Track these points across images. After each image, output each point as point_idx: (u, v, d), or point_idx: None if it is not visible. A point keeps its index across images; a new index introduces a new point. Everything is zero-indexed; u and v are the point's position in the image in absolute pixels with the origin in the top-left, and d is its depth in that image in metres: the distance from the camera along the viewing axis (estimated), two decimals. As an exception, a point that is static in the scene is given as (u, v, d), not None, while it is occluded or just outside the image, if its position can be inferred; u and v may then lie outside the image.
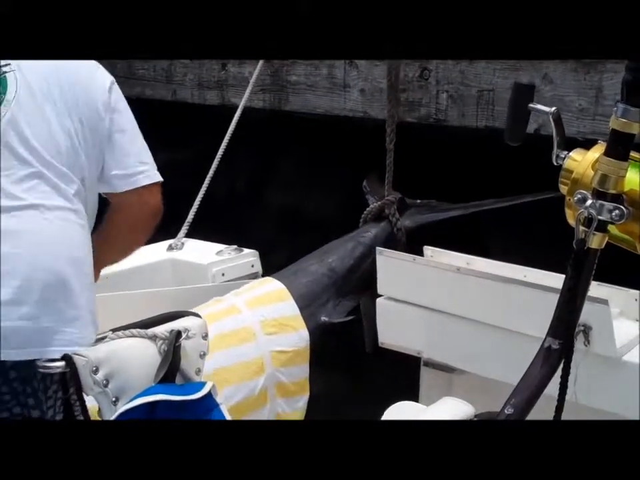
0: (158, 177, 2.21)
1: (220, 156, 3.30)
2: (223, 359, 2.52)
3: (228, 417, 1.74)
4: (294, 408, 2.70)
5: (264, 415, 2.62)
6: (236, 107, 3.42)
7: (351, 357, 2.81)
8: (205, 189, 3.29)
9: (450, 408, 1.70)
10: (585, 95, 3.44)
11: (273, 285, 2.82)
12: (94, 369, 1.58)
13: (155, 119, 5.91)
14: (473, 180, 3.67)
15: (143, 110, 6.18)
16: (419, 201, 3.35)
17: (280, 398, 2.65)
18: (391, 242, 3.14)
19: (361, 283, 2.98)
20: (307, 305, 2.81)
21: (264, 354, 2.61)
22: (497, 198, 3.40)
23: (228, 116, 3.36)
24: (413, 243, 3.15)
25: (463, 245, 2.90)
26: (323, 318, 2.84)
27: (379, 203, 3.22)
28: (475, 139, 3.71)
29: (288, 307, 2.75)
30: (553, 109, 1.56)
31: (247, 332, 2.62)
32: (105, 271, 2.33)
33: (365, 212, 3.24)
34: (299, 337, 2.71)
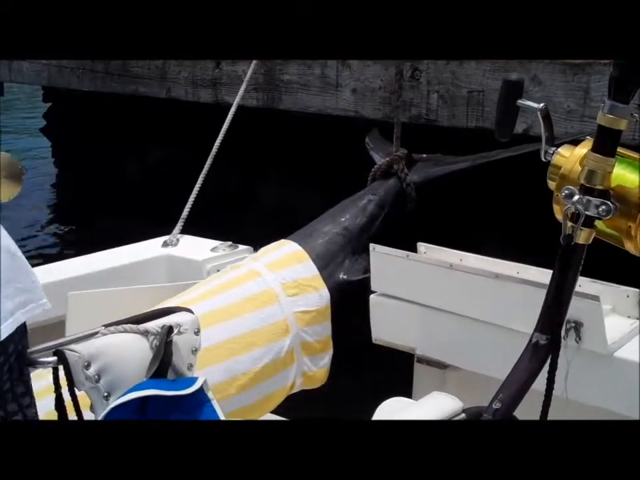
0: None
1: (214, 153, 3.30)
2: (249, 322, 2.59)
3: (220, 413, 1.74)
4: (319, 365, 2.77)
5: (291, 375, 2.68)
6: (229, 105, 3.43)
7: (344, 354, 2.81)
8: (199, 186, 3.29)
9: (438, 402, 1.71)
10: (573, 96, 3.47)
11: (290, 247, 2.86)
12: (86, 364, 1.59)
13: (148, 117, 5.95)
14: (463, 179, 3.68)
15: (137, 108, 6.20)
16: (424, 155, 3.36)
17: (306, 357, 2.72)
18: (400, 198, 3.16)
19: (374, 240, 2.96)
20: (325, 264, 2.86)
21: (288, 315, 2.66)
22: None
23: (221, 114, 3.38)
24: (422, 199, 3.17)
25: (457, 242, 2.90)
26: (342, 276, 2.88)
27: (387, 159, 3.22)
28: (465, 139, 3.73)
29: (307, 268, 2.80)
30: (542, 105, 1.58)
31: (269, 295, 2.67)
32: (99, 266, 2.32)
33: (372, 169, 3.25)
34: (319, 296, 2.76)
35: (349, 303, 2.89)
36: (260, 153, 5.23)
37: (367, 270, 2.88)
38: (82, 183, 7.49)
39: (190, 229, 3.27)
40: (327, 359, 2.78)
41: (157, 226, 3.31)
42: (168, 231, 3.25)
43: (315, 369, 2.75)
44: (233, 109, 3.36)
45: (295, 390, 2.72)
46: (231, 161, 4.61)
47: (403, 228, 3.20)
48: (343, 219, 3.06)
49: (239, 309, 2.61)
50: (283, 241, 2.92)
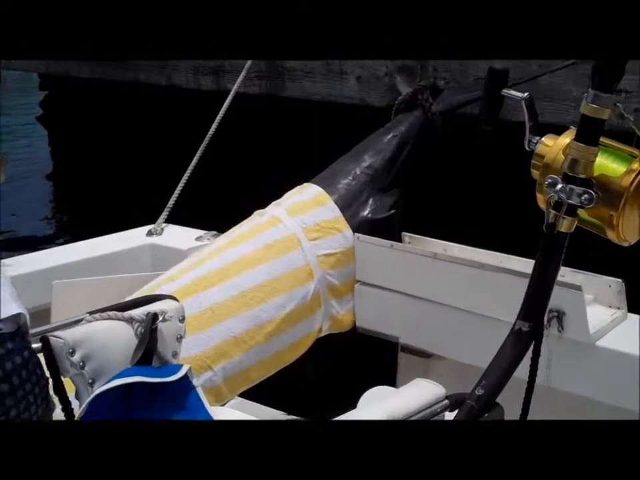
0: None
1: (206, 143, 3.30)
2: (272, 269, 2.61)
3: (205, 400, 1.75)
4: (346, 308, 2.80)
5: (318, 319, 2.70)
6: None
7: (329, 342, 2.82)
8: (188, 175, 3.29)
9: (421, 389, 1.72)
10: (581, 84, 3.43)
11: (312, 190, 2.86)
12: (70, 350, 1.59)
13: (148, 104, 5.86)
14: (469, 167, 3.67)
15: (137, 95, 6.06)
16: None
17: (332, 300, 2.74)
18: (425, 129, 3.12)
19: (400, 175, 2.98)
20: (348, 205, 2.84)
21: (310, 259, 2.68)
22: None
23: (223, 102, 3.35)
24: (447, 128, 3.14)
25: (441, 231, 2.91)
26: (366, 215, 2.87)
27: (412, 89, 3.18)
28: (471, 125, 3.68)
29: (328, 211, 2.79)
30: (526, 94, 1.59)
31: (290, 240, 2.69)
32: (84, 255, 2.32)
33: (396, 102, 3.21)
34: (344, 237, 2.77)
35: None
36: (261, 141, 5.15)
37: (392, 207, 2.89)
38: (78, 172, 7.41)
39: (184, 218, 3.26)
40: (353, 301, 2.79)
41: (148, 214, 3.30)
42: (153, 220, 3.25)
43: (342, 312, 2.77)
44: (230, 97, 3.34)
45: (323, 334, 2.74)
46: (230, 149, 4.58)
47: (428, 158, 3.15)
48: (366, 157, 3.01)
49: (261, 257, 2.63)
50: (305, 184, 2.91)
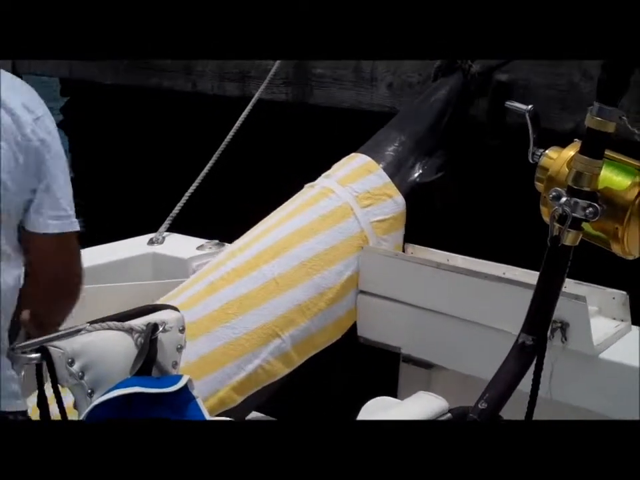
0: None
1: (221, 150, 3.29)
2: (329, 238, 2.70)
3: (204, 411, 1.74)
4: None
5: None
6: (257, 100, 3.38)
7: (330, 352, 2.80)
8: (198, 184, 3.28)
9: (424, 402, 1.71)
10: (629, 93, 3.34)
11: (359, 160, 2.91)
12: (69, 360, 1.58)
13: (172, 111, 5.78)
14: (473, 178, 3.61)
15: (160, 101, 5.90)
16: None
17: None
18: (466, 91, 3.12)
19: (444, 138, 3.00)
20: (396, 170, 2.89)
21: (365, 226, 2.76)
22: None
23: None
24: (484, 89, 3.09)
25: (444, 243, 2.90)
26: (415, 180, 2.92)
27: None
28: (477, 136, 3.64)
29: (378, 178, 2.85)
30: (529, 106, 1.58)
31: (344, 209, 2.76)
32: (85, 263, 2.30)
33: (434, 68, 3.23)
34: (394, 203, 2.83)
35: (426, 205, 2.96)
36: (282, 150, 5.06)
37: (439, 169, 2.92)
38: (95, 180, 7.31)
39: (185, 226, 3.24)
40: None
41: (152, 222, 3.28)
42: (174, 229, 3.24)
43: None
44: (250, 104, 3.33)
45: None
46: (247, 157, 4.51)
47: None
48: (409, 123, 3.06)
49: (317, 227, 2.71)
50: (352, 154, 2.95)
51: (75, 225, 1.87)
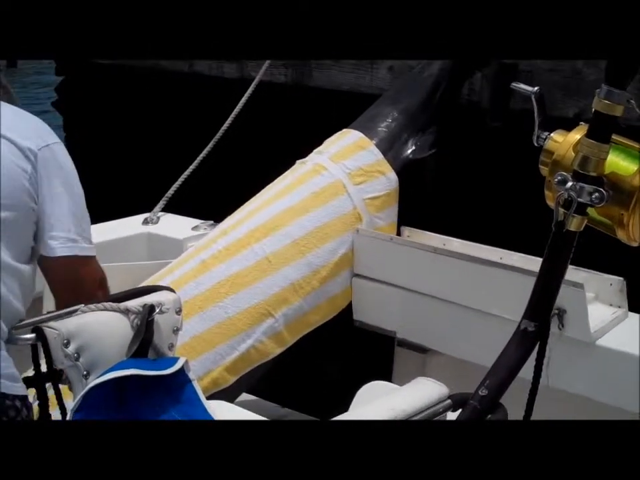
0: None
1: (222, 132, 3.25)
2: (321, 215, 2.68)
3: (200, 394, 1.72)
4: None
5: None
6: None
7: (325, 335, 2.79)
8: (196, 165, 3.25)
9: (424, 388, 1.70)
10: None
11: (352, 136, 2.88)
12: (65, 342, 1.56)
13: (169, 92, 5.72)
14: (472, 160, 3.57)
15: (157, 82, 5.81)
16: None
17: None
18: (460, 67, 3.11)
19: (437, 114, 2.98)
20: (389, 147, 2.87)
21: (357, 204, 2.74)
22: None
23: (246, 90, 3.29)
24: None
25: (441, 226, 2.88)
26: (408, 156, 2.90)
27: None
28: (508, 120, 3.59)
29: (370, 154, 2.83)
30: (536, 88, 1.56)
31: (336, 187, 2.74)
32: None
33: None
34: (387, 180, 2.81)
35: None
36: (279, 132, 5.01)
37: (432, 146, 2.90)
38: (89, 160, 7.22)
39: (180, 206, 3.21)
40: None
41: (147, 201, 3.25)
42: (169, 209, 3.21)
43: None
44: (252, 87, 3.29)
45: None
46: (245, 139, 4.47)
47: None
48: (402, 99, 3.02)
49: (309, 205, 2.69)
50: (344, 130, 2.92)
51: (85, 250, 1.81)
